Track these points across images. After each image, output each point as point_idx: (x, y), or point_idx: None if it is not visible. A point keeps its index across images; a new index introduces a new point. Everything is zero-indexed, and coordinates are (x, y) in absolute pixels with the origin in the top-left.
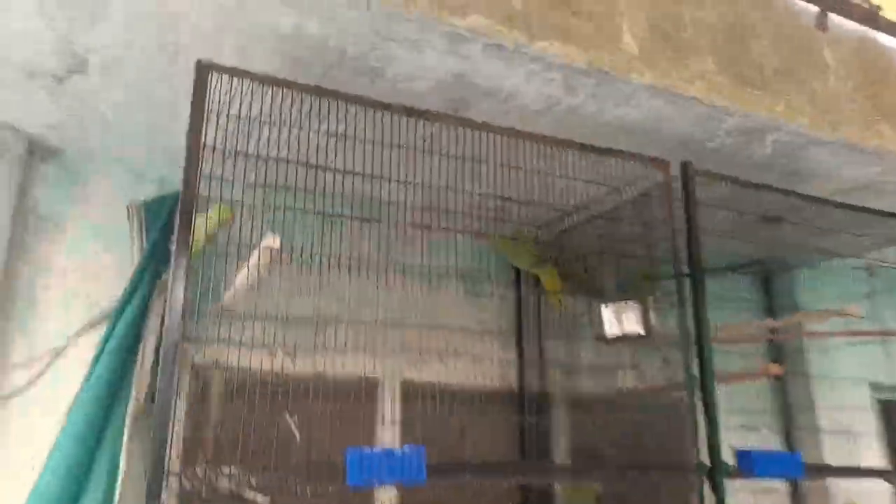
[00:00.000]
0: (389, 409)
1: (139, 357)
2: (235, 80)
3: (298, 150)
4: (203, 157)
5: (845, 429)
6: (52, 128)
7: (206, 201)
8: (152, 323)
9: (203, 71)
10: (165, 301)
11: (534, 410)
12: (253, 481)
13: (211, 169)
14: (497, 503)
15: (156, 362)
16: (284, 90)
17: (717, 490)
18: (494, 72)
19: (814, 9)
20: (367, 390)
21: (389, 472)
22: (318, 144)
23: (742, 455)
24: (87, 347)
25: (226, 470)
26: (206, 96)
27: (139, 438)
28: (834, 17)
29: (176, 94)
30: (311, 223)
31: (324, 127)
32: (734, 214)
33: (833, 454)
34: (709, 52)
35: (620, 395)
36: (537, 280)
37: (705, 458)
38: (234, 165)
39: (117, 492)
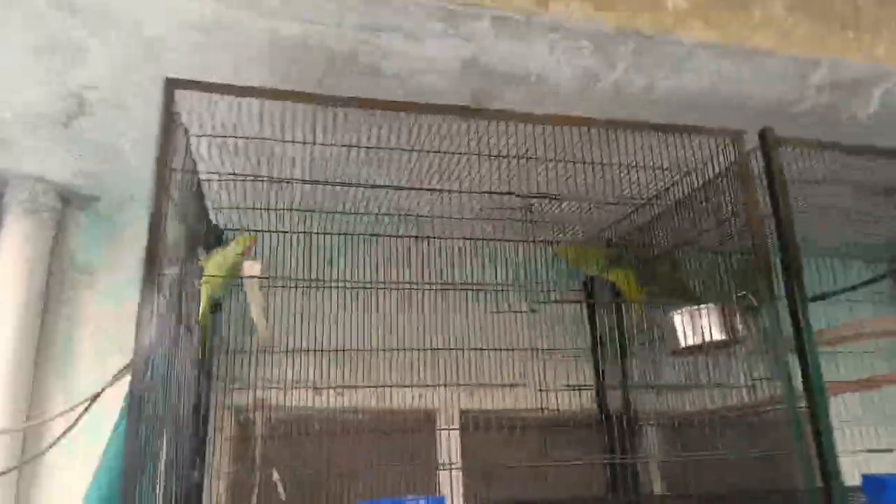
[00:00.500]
0: (448, 443)
1: None
2: (219, 96)
3: (316, 168)
4: (171, 181)
5: None
6: (79, 175)
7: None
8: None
9: (170, 87)
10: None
11: (623, 437)
12: None
13: (225, 198)
14: None
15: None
16: (280, 102)
17: None
18: (511, 51)
19: None
20: (423, 423)
21: None
22: (339, 159)
23: (870, 481)
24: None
25: None
26: (173, 115)
27: None
28: None
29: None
30: (353, 246)
31: (336, 138)
32: (848, 191)
33: None
34: None
35: (716, 415)
36: (614, 288)
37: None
38: (261, 193)
39: None
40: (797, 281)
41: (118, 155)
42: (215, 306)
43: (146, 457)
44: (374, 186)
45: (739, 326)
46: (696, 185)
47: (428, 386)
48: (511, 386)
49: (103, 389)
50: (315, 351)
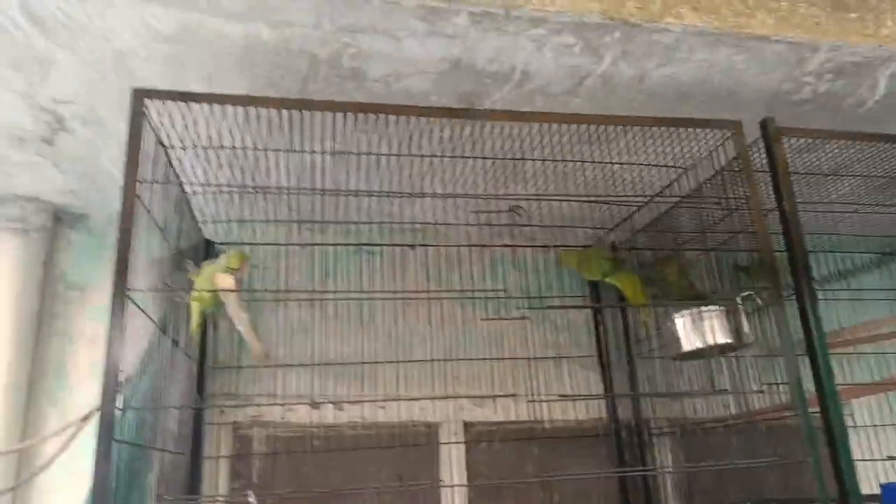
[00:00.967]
0: (452, 457)
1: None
2: (205, 106)
3: (304, 176)
4: (140, 192)
5: None
6: (67, 193)
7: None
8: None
9: (139, 97)
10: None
11: (633, 447)
12: None
13: (213, 212)
14: None
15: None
16: (264, 109)
17: None
18: (495, 48)
19: None
20: (426, 436)
21: None
22: (325, 167)
23: (889, 490)
24: None
25: None
26: (142, 125)
27: None
28: None
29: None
30: (343, 258)
31: (322, 146)
32: (856, 181)
33: None
34: None
35: (729, 423)
36: (619, 292)
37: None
38: (248, 205)
39: None
40: (805, 279)
41: (101, 171)
42: (208, 321)
43: (127, 480)
44: (372, 193)
45: (745, 328)
46: (696, 181)
47: (430, 398)
48: (514, 396)
49: (93, 411)
50: (313, 365)
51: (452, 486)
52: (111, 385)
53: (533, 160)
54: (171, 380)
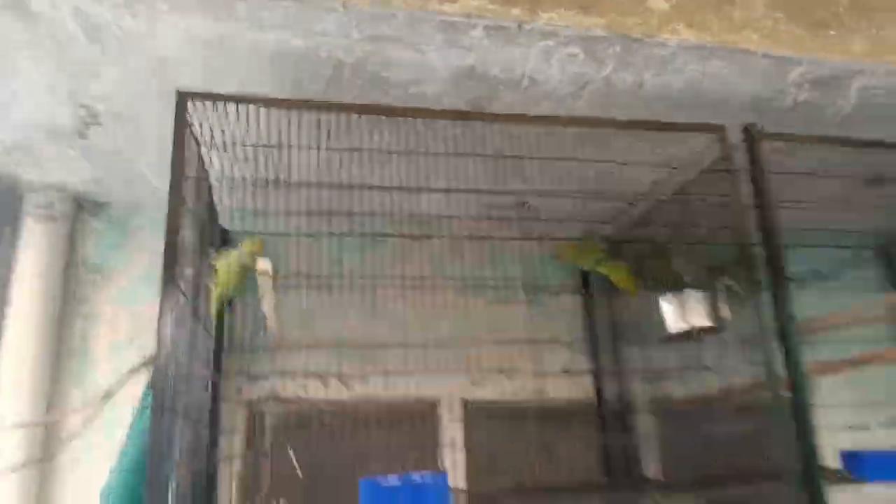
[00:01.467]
0: (452, 431)
1: None
2: (236, 106)
3: (322, 171)
4: (185, 189)
5: None
6: (94, 183)
7: (241, 236)
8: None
9: (183, 99)
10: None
11: (617, 423)
12: None
13: (233, 202)
14: None
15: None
16: (285, 110)
17: (817, 499)
18: (506, 58)
19: None
20: (427, 413)
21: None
22: (342, 163)
23: (849, 457)
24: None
25: None
26: (186, 125)
27: None
28: None
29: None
30: (356, 247)
31: (339, 143)
32: (830, 182)
33: None
34: None
35: (706, 400)
36: (609, 282)
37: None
38: (268, 196)
39: None
40: (779, 269)
41: (129, 164)
42: (227, 304)
43: (165, 451)
44: (384, 188)
45: (725, 314)
46: (684, 181)
47: (431, 374)
48: (510, 373)
49: (120, 385)
50: (324, 346)
51: (453, 453)
52: (163, 363)
53: (531, 158)
54: (197, 358)
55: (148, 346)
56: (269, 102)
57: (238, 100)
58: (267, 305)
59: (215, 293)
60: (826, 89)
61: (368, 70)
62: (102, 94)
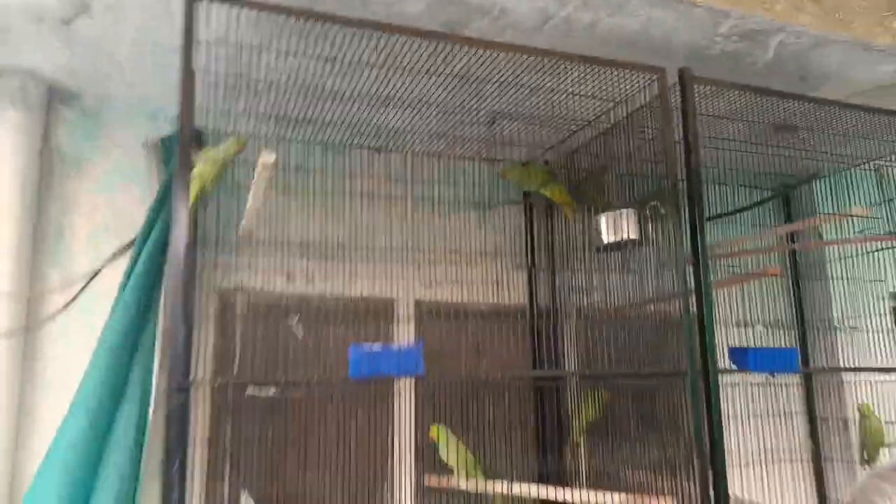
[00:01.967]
0: (405, 327)
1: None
2: (227, 8)
3: (298, 78)
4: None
5: (860, 331)
6: (68, 73)
7: (213, 135)
8: None
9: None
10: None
11: (547, 327)
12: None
13: (210, 102)
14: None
15: None
16: (277, 15)
17: (710, 388)
18: None
19: None
20: (383, 311)
21: (389, 367)
22: (316, 72)
23: (736, 352)
24: (116, 276)
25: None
26: (193, 27)
27: None
28: None
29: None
30: (321, 154)
31: (323, 52)
32: (746, 126)
33: (848, 355)
34: None
35: (623, 308)
36: (548, 202)
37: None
38: (243, 99)
39: (151, 408)
40: (697, 201)
41: (107, 56)
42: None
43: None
44: (350, 99)
45: (650, 230)
46: (624, 113)
47: (388, 277)
48: (458, 279)
49: (102, 267)
50: (291, 243)
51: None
52: (178, 253)
53: (491, 82)
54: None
55: (125, 234)
56: (272, 7)
57: (245, 4)
58: (256, 200)
59: (194, 186)
60: (750, 42)
61: None
62: None
